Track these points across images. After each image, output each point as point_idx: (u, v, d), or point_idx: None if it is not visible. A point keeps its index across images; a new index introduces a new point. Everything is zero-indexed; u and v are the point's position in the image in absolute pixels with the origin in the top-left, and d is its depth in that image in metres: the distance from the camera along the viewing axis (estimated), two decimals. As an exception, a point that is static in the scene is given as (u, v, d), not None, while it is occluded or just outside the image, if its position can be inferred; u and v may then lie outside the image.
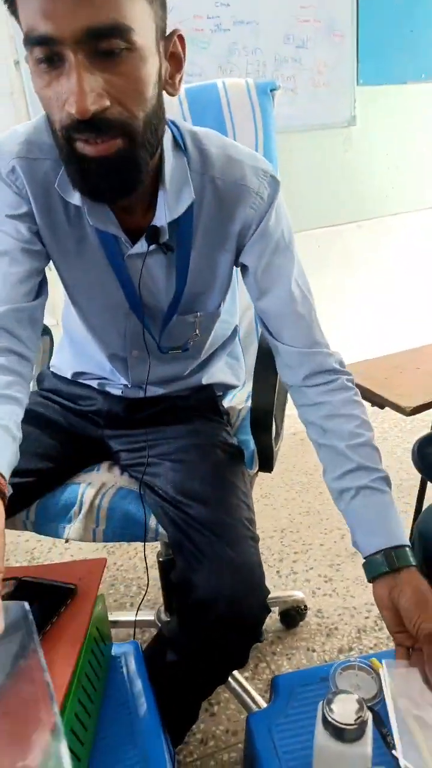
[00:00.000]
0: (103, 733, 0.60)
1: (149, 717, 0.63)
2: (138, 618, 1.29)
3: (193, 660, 0.72)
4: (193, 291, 0.83)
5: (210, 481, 0.82)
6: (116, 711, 0.63)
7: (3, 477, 0.60)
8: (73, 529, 0.89)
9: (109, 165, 0.63)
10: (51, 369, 1.06)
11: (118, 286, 0.82)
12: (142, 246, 0.77)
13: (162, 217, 0.75)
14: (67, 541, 0.99)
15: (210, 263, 0.82)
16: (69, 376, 1.01)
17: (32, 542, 1.70)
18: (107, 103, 0.59)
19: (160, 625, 1.21)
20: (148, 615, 1.29)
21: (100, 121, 0.60)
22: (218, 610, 0.66)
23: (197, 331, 0.88)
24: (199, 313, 0.86)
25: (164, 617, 1.22)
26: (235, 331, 1.03)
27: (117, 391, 0.97)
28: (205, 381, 0.99)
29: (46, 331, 1.25)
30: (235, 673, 1.17)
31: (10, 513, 0.89)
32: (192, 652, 0.72)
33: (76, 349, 1.00)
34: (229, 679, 1.13)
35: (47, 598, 0.60)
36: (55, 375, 1.04)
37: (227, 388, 1.06)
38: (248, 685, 1.14)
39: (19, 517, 0.91)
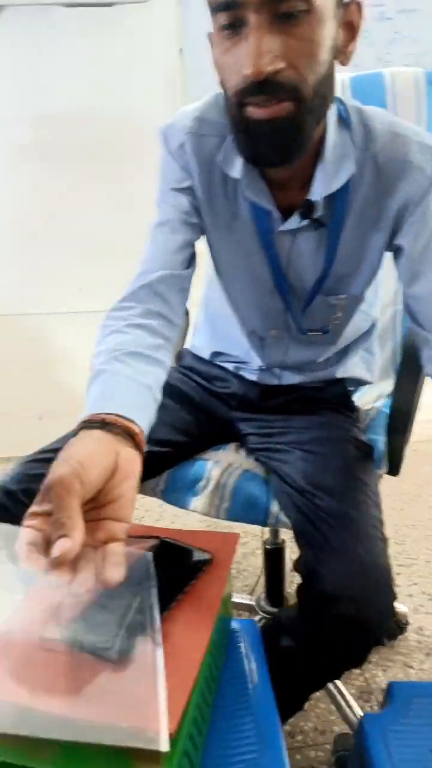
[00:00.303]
0: (221, 701, 0.63)
1: (265, 691, 0.64)
2: (235, 600, 1.32)
3: (310, 651, 0.72)
4: (339, 272, 0.83)
5: (342, 476, 0.81)
6: (234, 682, 0.65)
7: (142, 432, 0.61)
8: (199, 502, 0.93)
9: (276, 128, 0.65)
10: (191, 349, 1.10)
11: (264, 263, 0.83)
12: (294, 222, 0.78)
13: (318, 191, 0.75)
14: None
15: (361, 243, 0.80)
16: (207, 356, 1.05)
17: (140, 511, 1.78)
18: (282, 65, 0.61)
19: (260, 611, 1.23)
20: (243, 599, 1.32)
21: (273, 84, 0.62)
22: (343, 607, 0.66)
23: (339, 314, 0.87)
24: (343, 296, 0.85)
25: (264, 604, 1.23)
26: (373, 327, 1.01)
27: (252, 376, 0.99)
28: (339, 375, 0.99)
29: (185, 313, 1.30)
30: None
31: (143, 478, 0.95)
32: (310, 643, 0.72)
33: (215, 329, 1.03)
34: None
35: (185, 563, 0.63)
36: (193, 354, 1.08)
37: (359, 383, 1.04)
38: (342, 686, 1.13)
39: (149, 484, 0.96)
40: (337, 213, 0.78)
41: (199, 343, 1.08)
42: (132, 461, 0.56)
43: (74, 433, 0.57)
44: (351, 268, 0.83)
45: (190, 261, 0.84)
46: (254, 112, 0.65)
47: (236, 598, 1.32)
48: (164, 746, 0.42)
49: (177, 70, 1.84)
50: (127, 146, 1.90)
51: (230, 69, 0.65)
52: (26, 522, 0.47)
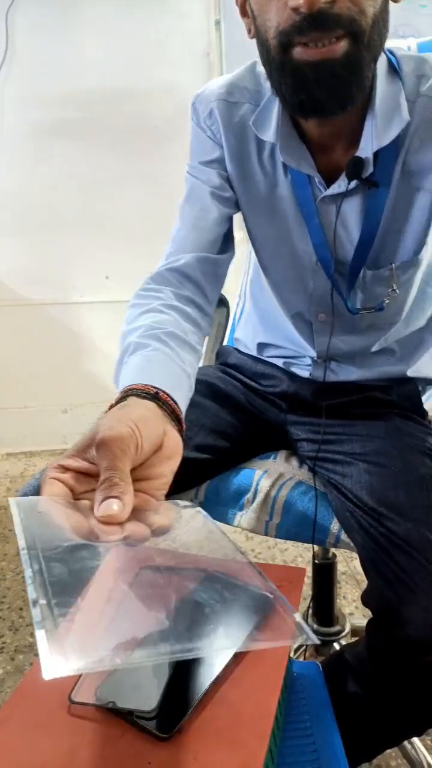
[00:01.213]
0: (285, 753, 0.52)
1: (332, 742, 0.54)
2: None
3: (385, 701, 0.61)
4: (386, 239, 0.74)
5: (419, 495, 0.69)
6: (297, 733, 0.55)
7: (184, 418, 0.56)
8: (245, 517, 0.82)
9: (330, 69, 0.58)
10: (234, 344, 0.99)
11: (306, 237, 0.76)
12: (340, 185, 0.70)
13: (368, 147, 0.67)
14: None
15: (406, 202, 0.72)
16: (254, 348, 0.94)
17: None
18: None
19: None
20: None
21: (327, 17, 0.55)
22: (433, 657, 0.55)
23: (395, 287, 0.77)
24: (393, 265, 0.75)
25: (312, 622, 1.12)
26: None
27: (305, 372, 0.88)
28: (410, 373, 0.86)
29: (224, 303, 1.18)
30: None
31: (179, 488, 0.85)
32: (385, 692, 0.61)
33: (260, 318, 0.93)
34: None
35: (247, 603, 0.52)
36: (238, 351, 0.97)
37: (430, 383, 0.92)
38: (421, 746, 0.99)
39: (186, 495, 0.86)
40: (384, 171, 0.70)
41: (243, 335, 0.97)
42: (177, 444, 0.51)
43: (121, 398, 0.53)
44: (398, 233, 0.74)
45: (225, 243, 0.79)
46: (303, 53, 0.58)
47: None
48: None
49: (214, 43, 1.73)
50: (162, 124, 1.80)
51: (271, 6, 0.59)
52: (52, 473, 0.44)
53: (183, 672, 0.46)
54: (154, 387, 0.54)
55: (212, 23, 1.73)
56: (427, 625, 0.56)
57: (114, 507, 0.40)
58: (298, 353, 0.88)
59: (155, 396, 0.53)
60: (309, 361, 0.87)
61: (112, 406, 0.52)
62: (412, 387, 0.87)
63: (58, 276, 1.95)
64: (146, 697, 0.44)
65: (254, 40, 0.67)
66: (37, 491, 0.73)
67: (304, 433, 0.87)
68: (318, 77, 0.59)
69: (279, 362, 0.91)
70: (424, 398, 0.97)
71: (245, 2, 0.65)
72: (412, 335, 0.86)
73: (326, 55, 0.57)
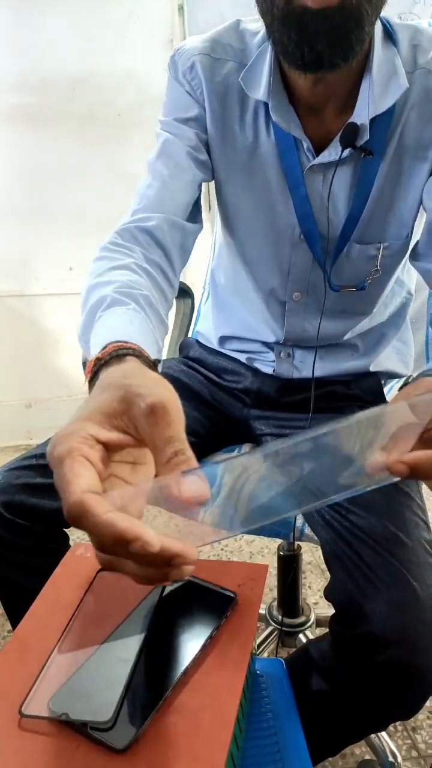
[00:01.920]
0: (248, 751, 0.52)
1: (294, 740, 0.53)
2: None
3: (348, 697, 0.61)
4: (374, 213, 0.72)
5: (381, 489, 0.69)
6: (260, 732, 0.54)
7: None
8: (209, 512, 0.80)
9: (332, 18, 0.56)
10: (196, 337, 0.97)
11: (290, 207, 0.73)
12: (332, 153, 0.68)
13: (363, 113, 0.65)
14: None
15: (399, 178, 0.70)
16: (215, 341, 0.92)
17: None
18: None
19: (273, 623, 1.11)
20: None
21: None
22: (395, 652, 0.55)
23: (378, 266, 0.75)
24: (382, 245, 0.74)
25: (277, 614, 1.12)
26: (408, 302, 0.88)
27: (268, 369, 0.87)
28: (372, 368, 0.86)
29: (188, 294, 1.17)
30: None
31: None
32: (349, 688, 0.61)
33: (222, 308, 0.90)
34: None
35: (207, 604, 0.51)
36: (200, 344, 0.95)
37: (392, 377, 0.92)
38: (387, 739, 1.00)
39: (152, 491, 0.84)
40: (377, 142, 0.68)
41: (205, 329, 0.95)
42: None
43: (113, 355, 0.43)
44: (387, 209, 0.72)
45: (195, 212, 0.74)
46: (308, 1, 0.55)
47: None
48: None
49: (177, 29, 1.69)
50: (124, 111, 1.75)
51: None
52: (81, 447, 0.34)
53: (140, 679, 0.45)
54: (146, 353, 0.46)
55: (175, 8, 1.69)
56: (389, 620, 0.55)
57: (199, 483, 0.35)
58: (261, 348, 0.87)
59: (154, 364, 0.46)
60: (272, 356, 0.85)
61: (99, 360, 0.44)
62: (375, 381, 0.87)
63: (18, 268, 1.90)
64: (101, 707, 0.42)
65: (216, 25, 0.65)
66: (4, 488, 0.69)
67: (268, 427, 0.86)
68: (318, 26, 0.57)
69: (242, 357, 0.89)
70: (385, 391, 0.97)
71: None
72: (373, 330, 0.85)
73: (329, 3, 0.55)
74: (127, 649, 0.47)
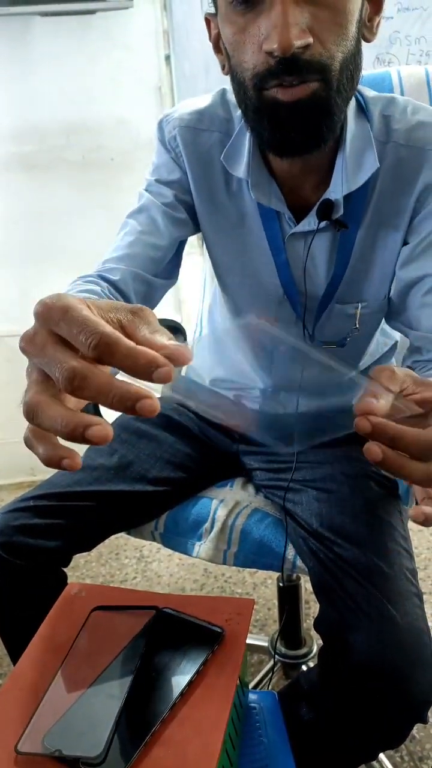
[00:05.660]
0: None
1: None
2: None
3: (336, 727, 0.63)
4: (353, 277, 0.75)
5: (364, 519, 0.72)
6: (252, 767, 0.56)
7: None
8: (203, 548, 0.83)
9: (303, 110, 0.60)
10: (188, 373, 1.00)
11: (273, 271, 0.76)
12: (309, 223, 0.71)
13: (338, 189, 0.68)
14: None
15: (377, 244, 0.74)
16: (207, 381, 0.95)
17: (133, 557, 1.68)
18: (311, 39, 0.56)
19: (275, 654, 1.12)
20: (259, 640, 1.21)
21: (300, 62, 0.57)
22: (379, 683, 0.56)
23: (357, 325, 0.79)
24: (361, 305, 0.77)
25: (280, 646, 1.13)
26: (393, 348, 0.92)
27: (254, 405, 0.90)
28: (354, 401, 0.89)
29: (180, 331, 1.21)
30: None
31: (138, 522, 0.86)
32: (337, 718, 0.62)
33: (215, 349, 0.93)
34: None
35: (192, 640, 0.53)
36: (190, 380, 0.99)
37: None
38: (387, 761, 1.01)
39: (148, 527, 0.87)
40: (355, 212, 0.71)
41: (199, 367, 0.99)
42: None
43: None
44: (365, 272, 0.76)
45: (168, 268, 0.78)
46: (277, 93, 0.59)
47: (249, 639, 1.22)
48: None
49: (164, 77, 1.77)
50: (117, 156, 1.82)
51: (247, 48, 0.60)
52: (83, 302, 0.35)
53: (131, 715, 0.47)
54: None
55: (162, 57, 1.77)
56: (371, 650, 0.57)
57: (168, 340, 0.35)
58: (247, 385, 0.90)
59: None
60: (258, 393, 0.89)
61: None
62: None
63: (18, 308, 1.95)
64: (93, 743, 0.44)
65: (211, 76, 0.69)
66: (2, 529, 0.72)
67: (257, 462, 0.89)
68: (290, 117, 0.60)
69: (229, 394, 0.92)
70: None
71: (218, 40, 0.66)
72: (364, 370, 0.89)
73: (298, 95, 0.59)
74: (119, 685, 0.49)
